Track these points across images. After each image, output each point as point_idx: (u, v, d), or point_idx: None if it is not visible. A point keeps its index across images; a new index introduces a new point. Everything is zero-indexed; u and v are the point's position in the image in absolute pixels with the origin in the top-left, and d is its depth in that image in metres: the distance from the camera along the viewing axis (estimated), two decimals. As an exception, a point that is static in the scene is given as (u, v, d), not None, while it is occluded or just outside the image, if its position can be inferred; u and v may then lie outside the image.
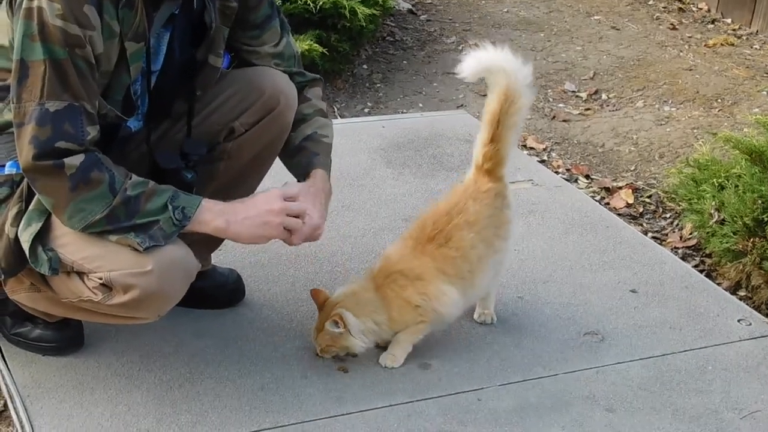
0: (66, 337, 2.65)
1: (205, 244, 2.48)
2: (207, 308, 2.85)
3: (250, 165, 2.66)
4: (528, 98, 2.70)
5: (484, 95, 4.63)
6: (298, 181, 2.57)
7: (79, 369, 2.59)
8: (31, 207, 2.28)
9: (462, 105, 4.61)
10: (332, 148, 2.66)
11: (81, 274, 2.30)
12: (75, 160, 2.18)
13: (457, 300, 2.67)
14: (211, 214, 2.30)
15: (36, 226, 2.26)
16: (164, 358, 2.66)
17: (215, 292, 2.88)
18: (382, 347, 2.71)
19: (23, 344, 2.65)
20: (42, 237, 2.26)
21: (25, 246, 2.26)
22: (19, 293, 2.46)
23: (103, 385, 2.54)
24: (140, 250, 2.23)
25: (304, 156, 2.61)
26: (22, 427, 2.41)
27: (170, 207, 2.24)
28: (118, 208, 2.20)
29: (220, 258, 2.98)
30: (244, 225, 2.33)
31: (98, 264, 2.26)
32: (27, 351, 2.64)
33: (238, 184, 2.64)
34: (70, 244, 2.26)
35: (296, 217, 2.38)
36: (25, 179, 2.27)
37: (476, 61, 2.68)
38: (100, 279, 2.27)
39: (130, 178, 2.24)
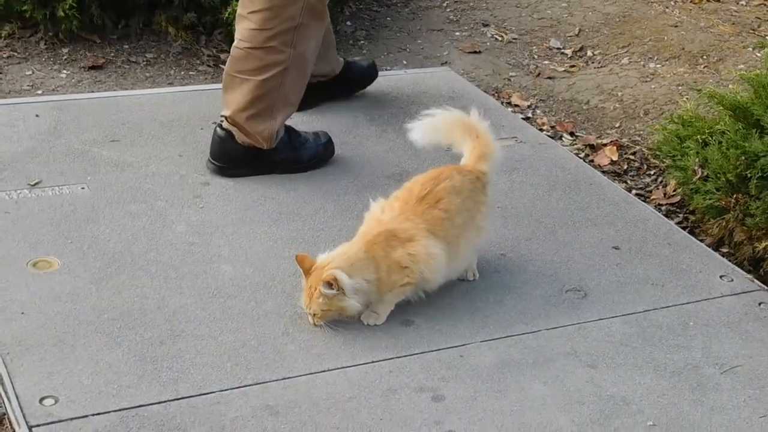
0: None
1: None
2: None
3: None
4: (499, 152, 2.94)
5: (469, 52, 4.67)
6: None
7: (59, 327, 2.58)
8: None
9: (446, 62, 4.57)
10: None
11: None
12: None
13: (442, 264, 2.69)
14: None
15: None
16: (145, 315, 2.65)
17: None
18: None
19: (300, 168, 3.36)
20: None
21: None
22: None
23: (84, 343, 2.53)
24: None
25: None
26: (3, 385, 2.40)
27: None
28: None
29: (206, 231, 2.95)
30: None
31: None
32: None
33: None
34: None
35: None
36: None
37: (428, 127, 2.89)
38: None
39: None
